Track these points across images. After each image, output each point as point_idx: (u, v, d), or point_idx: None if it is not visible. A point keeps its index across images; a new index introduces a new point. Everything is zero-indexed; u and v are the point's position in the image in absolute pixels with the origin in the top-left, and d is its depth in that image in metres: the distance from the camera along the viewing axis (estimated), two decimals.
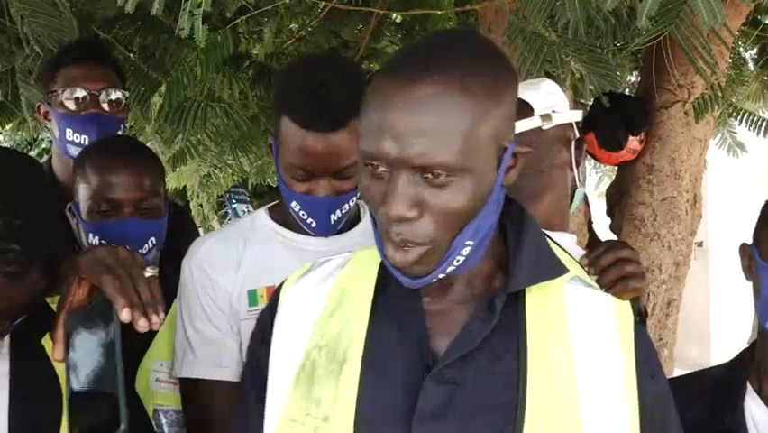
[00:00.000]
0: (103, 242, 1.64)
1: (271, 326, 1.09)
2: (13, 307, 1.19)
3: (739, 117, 3.35)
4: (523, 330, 1.00)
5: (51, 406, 1.25)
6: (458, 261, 0.98)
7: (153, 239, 1.68)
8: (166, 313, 1.19)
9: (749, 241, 1.39)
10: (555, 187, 1.61)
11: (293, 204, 1.48)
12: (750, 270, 1.38)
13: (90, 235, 1.67)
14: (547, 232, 1.46)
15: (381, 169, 0.94)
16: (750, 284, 1.37)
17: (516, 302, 1.02)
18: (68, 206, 1.73)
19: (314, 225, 1.48)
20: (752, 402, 1.34)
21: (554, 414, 0.96)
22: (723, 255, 7.14)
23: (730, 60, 2.84)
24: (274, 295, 1.12)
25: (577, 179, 1.60)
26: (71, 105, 2.00)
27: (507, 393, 0.97)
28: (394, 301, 1.04)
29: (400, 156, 0.91)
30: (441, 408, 0.96)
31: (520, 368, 0.98)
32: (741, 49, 3.24)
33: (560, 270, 1.03)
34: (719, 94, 2.50)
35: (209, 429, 1.52)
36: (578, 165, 1.60)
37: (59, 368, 1.25)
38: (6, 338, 1.29)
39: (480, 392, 0.97)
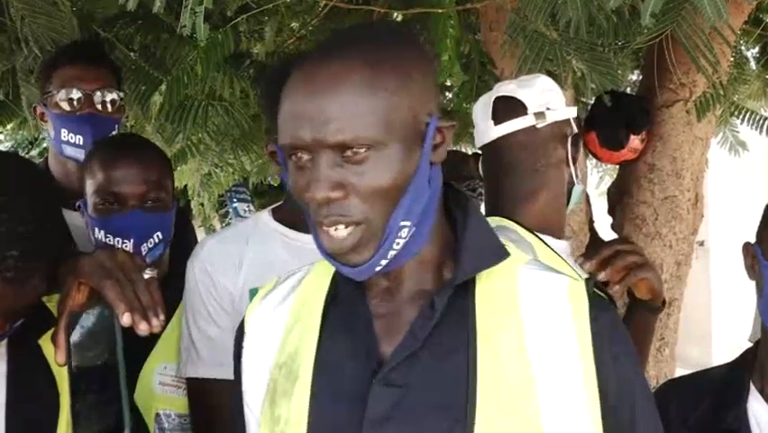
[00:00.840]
0: (108, 236, 1.65)
1: (241, 350, 1.10)
2: (12, 310, 1.20)
3: (741, 116, 3.34)
4: (472, 322, 0.98)
5: (49, 406, 1.26)
6: (398, 243, 0.96)
7: (159, 233, 1.69)
8: (167, 315, 1.19)
9: (751, 240, 1.38)
10: (551, 185, 1.60)
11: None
12: (753, 269, 1.37)
13: (96, 230, 1.68)
14: (542, 236, 1.47)
15: (303, 157, 0.95)
16: (752, 283, 1.37)
17: (465, 293, 1.00)
18: (77, 203, 1.74)
19: None
20: (755, 402, 1.34)
21: (507, 408, 0.94)
22: (724, 254, 7.13)
23: (732, 59, 2.83)
24: (241, 321, 1.12)
25: (574, 177, 1.59)
26: (66, 106, 2.00)
27: (457, 391, 0.95)
28: (344, 309, 1.03)
29: (315, 138, 0.92)
30: (389, 411, 0.95)
31: (469, 363, 0.96)
32: (743, 47, 3.24)
33: (500, 254, 1.02)
34: (721, 92, 2.49)
35: (214, 429, 1.52)
36: (574, 162, 1.59)
37: (57, 368, 1.25)
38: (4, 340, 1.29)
39: (429, 393, 0.96)
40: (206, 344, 1.52)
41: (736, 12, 2.48)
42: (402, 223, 0.95)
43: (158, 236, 1.69)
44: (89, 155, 1.77)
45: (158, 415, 1.64)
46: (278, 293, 1.10)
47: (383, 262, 0.97)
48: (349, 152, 0.92)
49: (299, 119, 0.93)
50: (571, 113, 1.60)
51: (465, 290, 1.00)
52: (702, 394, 1.37)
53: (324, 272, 1.08)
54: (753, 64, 3.36)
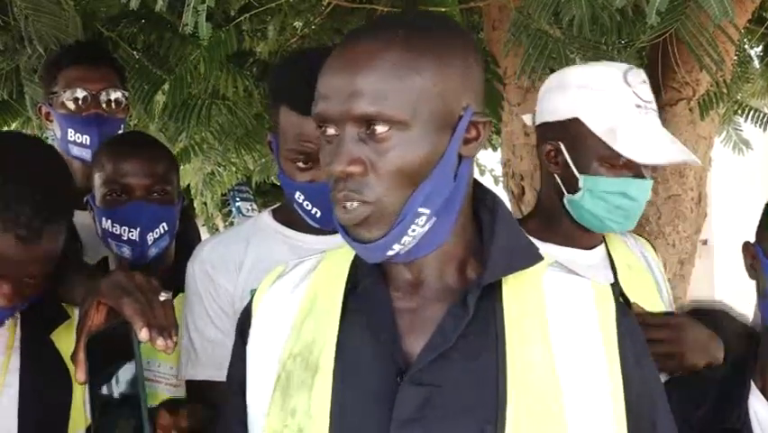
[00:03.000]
0: (115, 225, 1.69)
1: (247, 336, 1.07)
2: (25, 275, 1.24)
3: (744, 115, 3.34)
4: (500, 323, 0.97)
5: (61, 399, 1.31)
6: (413, 231, 0.95)
7: (165, 224, 1.72)
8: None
9: (753, 239, 1.38)
10: (544, 191, 1.62)
11: (297, 195, 1.47)
12: (753, 268, 1.37)
13: (104, 220, 1.72)
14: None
15: (330, 132, 0.95)
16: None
17: (492, 294, 0.98)
18: (84, 200, 1.77)
19: (318, 215, 1.48)
20: (755, 401, 1.33)
21: (536, 409, 0.94)
22: (728, 253, 7.12)
23: (736, 58, 2.83)
24: (248, 303, 1.10)
25: (562, 186, 1.59)
26: (72, 106, 2.01)
27: (487, 392, 0.94)
28: (364, 301, 1.01)
29: (342, 110, 0.92)
30: (418, 411, 0.94)
31: (499, 364, 0.95)
32: (746, 46, 3.23)
33: (535, 257, 1.01)
34: (724, 91, 2.49)
35: (214, 431, 1.52)
36: (560, 171, 1.58)
37: (70, 363, 1.28)
38: (17, 333, 1.33)
39: (459, 393, 0.95)
40: (206, 345, 1.52)
41: (740, 10, 2.47)
42: (420, 209, 0.94)
43: (163, 227, 1.72)
44: (99, 150, 1.82)
45: None
46: (289, 280, 1.08)
47: (396, 247, 0.95)
48: (372, 128, 0.92)
49: (330, 91, 0.94)
50: (553, 116, 1.55)
51: (492, 291, 0.99)
52: (704, 393, 1.37)
53: (340, 261, 1.06)
54: (756, 63, 3.36)
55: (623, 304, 1.03)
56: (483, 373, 0.95)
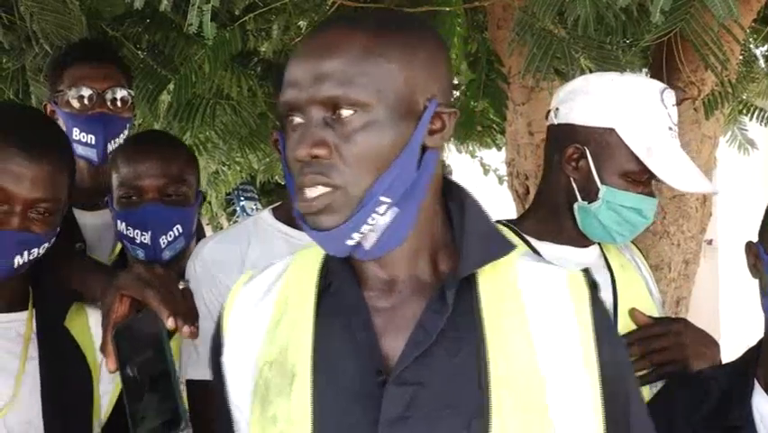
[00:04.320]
0: (129, 228, 1.69)
1: (221, 347, 1.06)
2: (32, 200, 1.27)
3: (750, 114, 3.33)
4: (479, 316, 0.97)
5: (83, 387, 1.36)
6: (373, 219, 0.94)
7: (179, 227, 1.71)
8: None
9: (756, 239, 1.38)
10: (548, 190, 1.61)
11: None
12: (756, 268, 1.37)
13: (119, 222, 1.72)
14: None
15: (296, 120, 0.95)
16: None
17: (468, 287, 0.99)
18: (105, 200, 1.79)
19: None
20: (759, 399, 1.33)
21: (520, 400, 0.94)
22: (733, 253, 7.11)
23: (741, 57, 2.82)
24: (219, 317, 1.09)
25: (577, 192, 1.58)
26: (77, 105, 2.01)
27: (471, 386, 0.94)
28: (338, 302, 1.00)
29: (307, 95, 0.93)
30: (405, 410, 0.94)
31: (480, 357, 0.95)
32: (752, 45, 3.22)
33: (508, 247, 1.01)
34: (730, 91, 2.48)
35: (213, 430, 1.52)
36: (573, 176, 1.58)
37: (87, 348, 1.37)
38: (33, 323, 1.37)
39: (444, 389, 0.95)
40: (206, 344, 1.52)
41: (746, 10, 2.47)
42: (382, 198, 0.94)
43: (177, 230, 1.71)
44: (116, 151, 1.82)
45: None
46: (259, 285, 1.07)
47: (355, 236, 0.95)
48: (337, 111, 0.93)
49: (297, 78, 0.95)
50: (585, 120, 1.54)
51: (468, 284, 0.99)
52: (707, 392, 1.37)
53: (309, 262, 1.05)
54: (762, 62, 3.35)
55: (594, 289, 1.03)
56: (466, 368, 0.96)
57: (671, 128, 1.53)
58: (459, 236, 1.00)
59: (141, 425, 1.09)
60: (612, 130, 1.50)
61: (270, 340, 1.01)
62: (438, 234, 1.02)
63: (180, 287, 1.22)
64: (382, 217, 0.95)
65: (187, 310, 1.19)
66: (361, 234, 0.95)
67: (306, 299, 1.01)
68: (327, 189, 0.93)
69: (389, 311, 0.99)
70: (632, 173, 1.50)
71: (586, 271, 1.03)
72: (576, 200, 1.54)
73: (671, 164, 1.50)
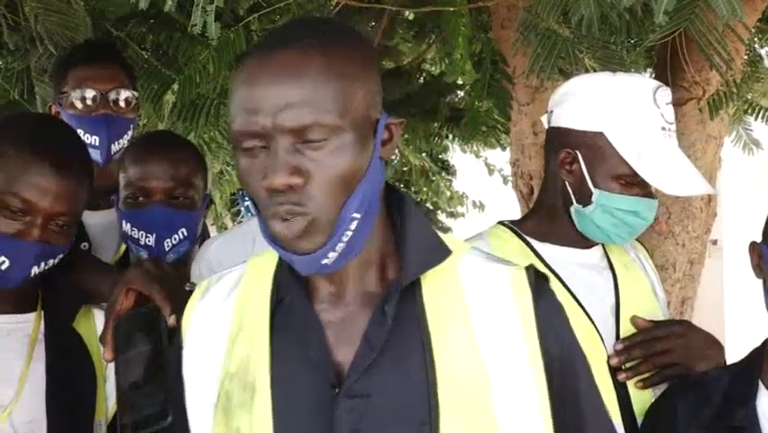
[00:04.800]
0: (134, 229, 1.69)
1: (181, 357, 1.06)
2: (52, 214, 1.31)
3: (755, 114, 3.32)
4: (423, 322, 0.98)
5: (86, 387, 1.38)
6: (347, 236, 0.95)
7: (184, 230, 1.70)
8: None
9: (760, 239, 1.38)
10: (547, 192, 1.61)
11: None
12: (760, 268, 1.37)
13: (124, 223, 1.72)
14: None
15: (257, 145, 0.94)
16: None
17: (412, 294, 1.00)
18: (111, 198, 1.79)
19: None
20: (764, 399, 1.33)
21: (467, 404, 0.96)
22: (738, 253, 7.09)
23: (746, 57, 2.81)
24: (178, 326, 1.10)
25: (572, 195, 1.57)
26: (81, 106, 2.01)
27: (418, 393, 0.96)
28: (291, 316, 1.01)
29: (274, 123, 0.92)
30: (357, 423, 0.95)
31: (427, 363, 0.97)
32: (756, 45, 3.22)
33: (445, 252, 1.02)
34: (734, 91, 2.48)
35: None
36: (567, 179, 1.57)
37: (93, 351, 1.40)
38: (41, 325, 1.39)
39: (392, 399, 0.96)
40: None
41: (750, 9, 2.46)
42: (354, 214, 0.95)
43: (182, 233, 1.70)
44: (125, 151, 1.82)
45: None
46: (217, 293, 1.07)
47: (331, 255, 0.95)
48: (307, 138, 0.92)
49: (257, 104, 0.92)
50: (575, 124, 1.52)
51: (412, 291, 1.00)
52: (711, 393, 1.37)
53: (262, 273, 1.05)
54: (766, 62, 3.34)
55: (539, 284, 1.03)
56: (413, 376, 0.97)
57: (664, 128, 1.51)
58: (401, 244, 1.01)
59: (130, 414, 1.11)
60: (601, 133, 1.49)
61: (230, 353, 1.02)
62: (384, 243, 1.02)
63: (186, 288, 1.24)
64: (352, 232, 0.96)
65: None
66: (337, 252, 0.96)
67: (261, 313, 1.02)
68: (305, 218, 0.93)
69: (339, 324, 1.00)
70: (625, 176, 1.48)
71: (528, 268, 1.03)
72: (572, 203, 1.53)
73: (662, 167, 1.48)
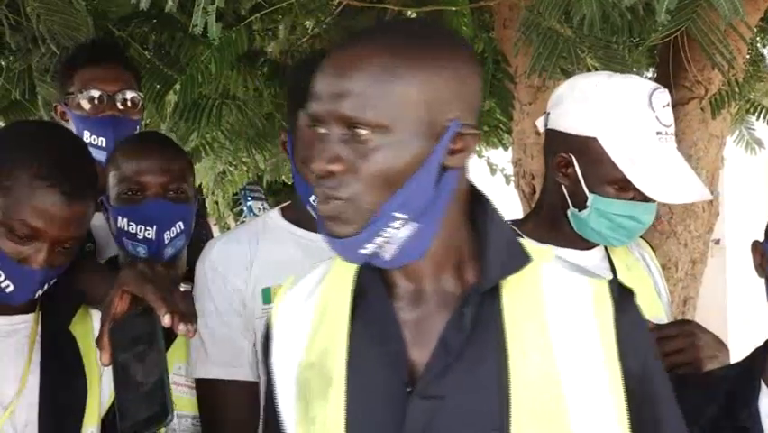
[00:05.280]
0: (131, 224, 1.69)
1: (270, 349, 1.10)
2: (60, 238, 1.29)
3: (757, 113, 3.32)
4: (501, 328, 0.99)
5: (79, 390, 1.36)
6: (387, 233, 0.96)
7: (181, 223, 1.71)
8: None
9: (762, 238, 1.38)
10: (546, 195, 1.60)
11: (312, 198, 1.48)
12: (762, 267, 1.37)
13: (119, 219, 1.70)
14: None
15: (321, 130, 0.97)
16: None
17: (492, 299, 1.00)
18: (99, 199, 1.76)
19: None
20: (766, 400, 1.33)
21: (540, 412, 0.96)
22: (740, 253, 7.09)
23: (748, 56, 2.81)
24: (268, 318, 1.13)
25: (567, 198, 1.56)
26: (88, 107, 2.01)
27: (491, 399, 0.96)
28: (371, 312, 1.03)
29: (328, 110, 0.95)
30: (427, 423, 0.96)
31: (501, 369, 0.97)
32: (759, 45, 3.21)
33: (524, 260, 1.02)
34: (736, 90, 2.48)
35: (224, 430, 1.53)
36: (565, 183, 1.55)
37: (86, 354, 1.39)
38: (38, 327, 1.39)
39: (465, 402, 0.97)
40: (216, 344, 1.52)
41: (752, 9, 2.46)
42: (395, 213, 0.96)
43: (180, 226, 1.71)
44: (114, 150, 1.82)
45: None
46: (303, 289, 1.10)
47: (369, 247, 0.97)
48: (355, 130, 0.95)
49: (318, 92, 0.97)
50: (569, 128, 1.51)
51: (491, 296, 1.00)
52: (713, 393, 1.36)
53: (345, 271, 1.07)
54: None
55: (623, 298, 1.03)
56: (487, 381, 0.97)
57: (660, 132, 1.48)
58: (482, 248, 1.02)
59: (129, 417, 1.12)
60: (595, 139, 1.48)
61: (311, 343, 1.05)
62: (461, 246, 1.03)
63: (182, 288, 1.25)
64: (398, 231, 0.97)
65: (185, 310, 1.20)
66: (375, 244, 0.97)
67: (343, 306, 1.04)
68: (337, 202, 0.96)
69: (417, 323, 1.01)
70: (619, 181, 1.47)
71: (612, 281, 1.03)
72: (568, 207, 1.53)
73: (656, 173, 1.46)
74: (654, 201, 1.51)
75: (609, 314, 1.00)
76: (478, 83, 1.02)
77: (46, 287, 1.34)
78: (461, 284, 1.02)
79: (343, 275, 1.07)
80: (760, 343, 1.41)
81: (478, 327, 0.98)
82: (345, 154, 0.95)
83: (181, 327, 1.17)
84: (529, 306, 1.00)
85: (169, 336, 1.23)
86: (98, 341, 1.22)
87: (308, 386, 1.03)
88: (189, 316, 1.20)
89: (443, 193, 0.98)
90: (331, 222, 0.97)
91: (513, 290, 1.01)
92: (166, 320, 1.16)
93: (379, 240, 0.96)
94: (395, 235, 0.97)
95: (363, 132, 0.94)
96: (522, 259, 1.02)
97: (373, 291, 1.03)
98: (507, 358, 0.97)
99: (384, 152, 0.94)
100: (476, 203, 1.05)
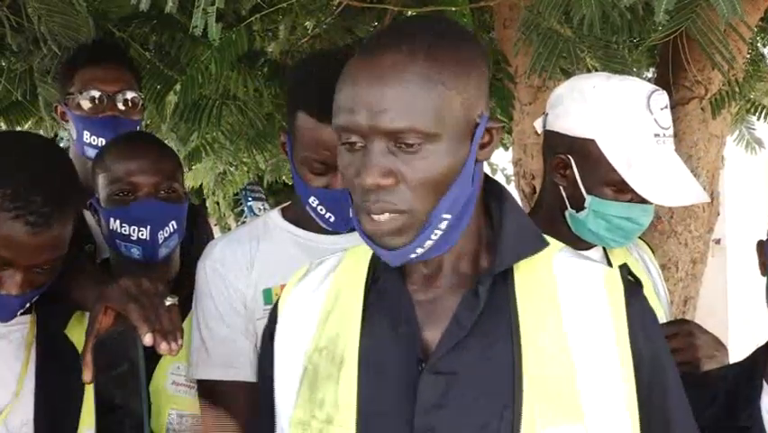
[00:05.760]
0: (124, 225, 1.67)
1: (274, 334, 1.11)
2: (34, 263, 1.27)
3: (757, 113, 3.32)
4: (514, 310, 1.01)
5: (75, 393, 1.35)
6: (436, 234, 0.98)
7: (174, 223, 1.70)
8: (182, 315, 1.24)
9: (766, 237, 1.38)
10: (546, 195, 1.60)
11: (311, 200, 1.48)
12: (766, 267, 1.37)
13: (111, 221, 1.69)
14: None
15: (356, 142, 0.96)
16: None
17: (505, 281, 1.02)
18: (88, 202, 1.75)
19: (332, 219, 1.49)
20: (767, 400, 1.33)
21: (551, 392, 0.97)
22: (741, 253, 7.08)
23: (748, 56, 2.81)
24: (273, 307, 1.14)
25: (565, 198, 1.56)
26: (88, 108, 2.01)
27: (503, 377, 0.98)
28: (384, 295, 1.05)
29: (371, 124, 0.94)
30: (440, 398, 0.98)
31: (513, 349, 0.99)
32: (759, 44, 3.21)
33: (541, 243, 1.04)
34: (737, 90, 2.48)
35: (224, 430, 1.52)
36: (562, 183, 1.56)
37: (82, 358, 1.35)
38: (34, 329, 1.38)
39: (477, 379, 0.98)
40: (217, 345, 1.53)
41: (752, 9, 2.46)
42: (444, 215, 0.98)
43: (173, 225, 1.70)
44: (100, 152, 1.79)
45: (170, 415, 1.64)
46: (313, 279, 1.12)
47: (419, 251, 0.99)
48: (402, 142, 0.94)
49: (358, 103, 0.95)
50: (568, 129, 1.52)
51: (504, 278, 1.02)
52: (715, 393, 1.37)
53: (359, 259, 1.10)
54: None
55: (632, 284, 1.05)
56: (499, 359, 0.99)
57: (658, 134, 1.49)
58: (496, 233, 1.04)
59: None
60: (593, 140, 1.48)
61: (322, 329, 1.07)
62: (480, 233, 1.05)
63: (167, 303, 1.21)
64: (442, 232, 0.99)
65: (169, 327, 1.18)
66: (423, 248, 0.99)
67: (356, 292, 1.06)
68: (395, 215, 0.96)
69: (430, 304, 1.04)
70: (616, 183, 1.47)
71: (622, 268, 1.04)
72: (566, 208, 1.53)
73: (653, 176, 1.47)
74: (650, 204, 1.52)
75: (621, 299, 1.02)
76: (488, 71, 1.04)
77: (28, 305, 1.33)
78: (475, 268, 1.04)
79: (357, 262, 1.09)
80: (760, 342, 1.41)
81: (491, 307, 1.01)
82: (394, 166, 0.95)
83: (163, 346, 1.15)
84: (541, 289, 1.02)
85: (147, 355, 1.22)
86: (82, 356, 1.20)
87: (316, 370, 1.04)
88: (173, 333, 1.18)
89: (476, 187, 1.02)
90: (386, 237, 0.97)
91: (525, 273, 1.03)
92: (147, 339, 1.15)
93: (428, 243, 0.99)
94: (439, 235, 0.99)
95: (412, 141, 0.94)
96: (538, 243, 1.04)
97: (388, 275, 1.05)
98: (520, 337, 0.99)
99: (433, 159, 0.95)
100: (489, 190, 1.06)
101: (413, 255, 0.99)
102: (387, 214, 0.96)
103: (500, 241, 1.02)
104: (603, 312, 1.01)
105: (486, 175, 1.07)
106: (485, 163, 1.06)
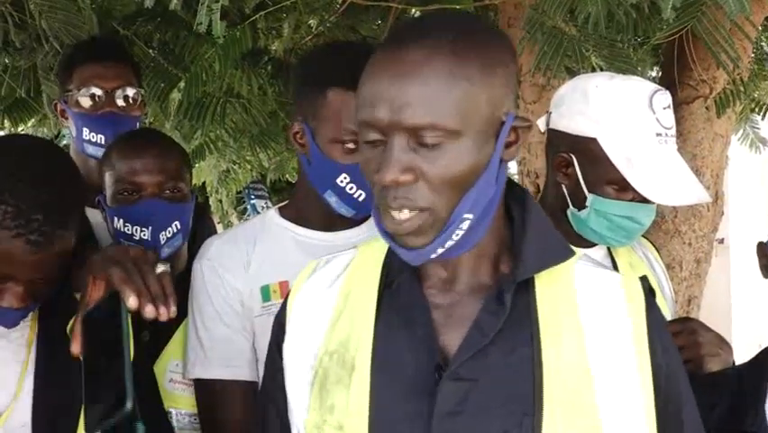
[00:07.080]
0: (127, 225, 1.67)
1: (284, 334, 1.09)
2: (35, 279, 1.25)
3: (762, 113, 3.31)
4: (535, 318, 0.99)
5: (74, 393, 1.29)
6: (457, 234, 0.96)
7: (178, 223, 1.69)
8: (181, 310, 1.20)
9: (767, 238, 1.37)
10: (547, 194, 1.60)
11: (340, 179, 1.45)
12: (766, 269, 1.36)
13: (116, 220, 1.69)
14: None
15: (377, 137, 0.95)
16: None
17: (525, 289, 1.00)
18: (96, 199, 1.75)
19: (362, 198, 1.47)
20: None
21: (570, 401, 0.96)
22: (745, 252, 7.07)
23: (753, 55, 2.80)
24: (283, 303, 1.11)
25: (567, 197, 1.56)
26: (87, 105, 2.00)
27: (523, 385, 0.97)
28: (399, 297, 1.03)
29: (392, 119, 0.92)
30: (459, 405, 0.96)
31: (534, 358, 0.97)
32: (764, 43, 3.20)
33: (567, 253, 1.03)
34: (741, 89, 2.47)
35: (222, 430, 1.52)
36: (564, 182, 1.56)
37: None
38: (34, 328, 1.36)
39: (497, 386, 0.97)
40: (214, 344, 1.52)
41: (758, 7, 2.45)
42: (465, 215, 0.96)
43: (176, 226, 1.69)
44: (108, 149, 1.79)
45: (168, 413, 1.64)
46: (324, 276, 1.09)
47: (439, 250, 0.97)
48: (423, 138, 0.92)
49: (379, 98, 0.93)
50: (570, 128, 1.52)
51: (526, 286, 1.01)
52: (719, 395, 1.36)
53: (372, 257, 1.07)
54: None
55: (650, 296, 1.04)
56: (519, 367, 0.98)
57: (660, 134, 1.49)
58: (519, 239, 1.02)
59: (94, 408, 1.07)
60: (595, 139, 1.48)
61: (332, 332, 1.04)
62: (502, 237, 1.03)
63: (158, 270, 1.16)
64: (464, 231, 0.97)
65: (158, 292, 1.13)
66: (444, 247, 0.97)
67: (369, 293, 1.04)
68: (415, 213, 0.95)
69: (448, 308, 1.01)
70: (618, 181, 1.47)
71: (643, 279, 1.04)
72: (568, 206, 1.53)
73: (654, 175, 1.47)
74: (652, 203, 1.51)
75: (642, 307, 1.01)
76: (516, 68, 1.02)
77: (31, 313, 1.32)
78: (495, 274, 1.02)
79: (369, 263, 1.07)
80: (763, 342, 1.40)
81: (511, 315, 0.99)
82: (414, 163, 0.93)
83: (148, 309, 1.10)
84: (562, 299, 1.01)
85: (170, 327, 1.17)
86: (71, 330, 1.17)
87: (327, 374, 1.02)
88: (163, 298, 1.13)
89: (499, 187, 1.00)
90: (406, 236, 0.96)
91: (547, 281, 1.01)
92: (131, 302, 1.10)
93: (449, 243, 0.97)
94: (461, 235, 0.97)
95: (433, 138, 0.92)
96: (563, 252, 1.03)
97: (402, 277, 1.03)
98: (540, 346, 0.98)
99: (456, 156, 0.93)
100: (511, 193, 1.05)
101: (433, 255, 0.98)
102: (406, 211, 0.94)
103: (524, 247, 1.01)
104: (623, 324, 1.00)
105: (508, 178, 1.04)
106: None
